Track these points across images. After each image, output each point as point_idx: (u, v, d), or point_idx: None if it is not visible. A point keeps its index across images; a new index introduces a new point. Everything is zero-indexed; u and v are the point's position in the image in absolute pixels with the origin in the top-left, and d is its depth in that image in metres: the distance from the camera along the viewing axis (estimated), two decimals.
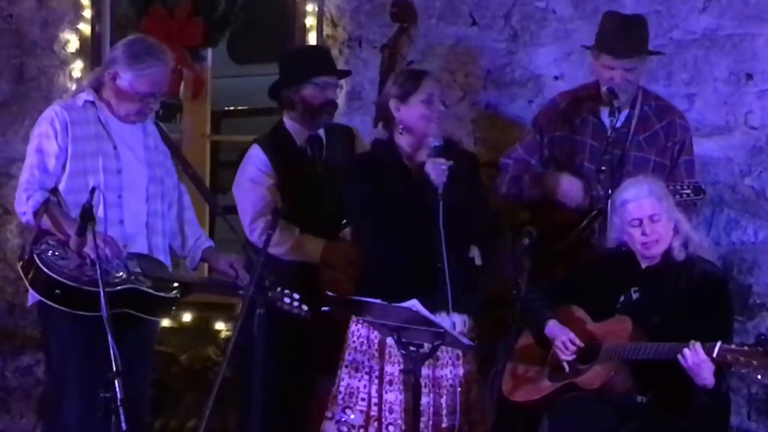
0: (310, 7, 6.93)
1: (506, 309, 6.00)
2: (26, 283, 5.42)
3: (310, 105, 6.05)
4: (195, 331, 7.08)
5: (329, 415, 5.56)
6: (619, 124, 5.91)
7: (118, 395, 4.81)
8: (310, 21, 6.93)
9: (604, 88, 5.92)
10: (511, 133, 6.56)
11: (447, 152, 5.59)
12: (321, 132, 6.15)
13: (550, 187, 5.98)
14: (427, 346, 5.23)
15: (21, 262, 5.44)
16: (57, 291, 5.30)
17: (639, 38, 5.96)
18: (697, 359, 5.04)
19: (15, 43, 7.22)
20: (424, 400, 5.41)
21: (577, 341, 5.36)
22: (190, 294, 5.73)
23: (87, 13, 7.14)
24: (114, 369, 4.84)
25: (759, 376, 5.04)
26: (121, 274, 5.39)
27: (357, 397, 5.53)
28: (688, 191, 5.83)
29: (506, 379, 5.55)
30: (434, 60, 6.83)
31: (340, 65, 6.76)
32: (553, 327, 5.45)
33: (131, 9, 7.32)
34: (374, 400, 5.51)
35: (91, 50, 7.16)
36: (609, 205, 5.66)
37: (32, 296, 5.48)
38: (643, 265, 5.46)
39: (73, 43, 7.15)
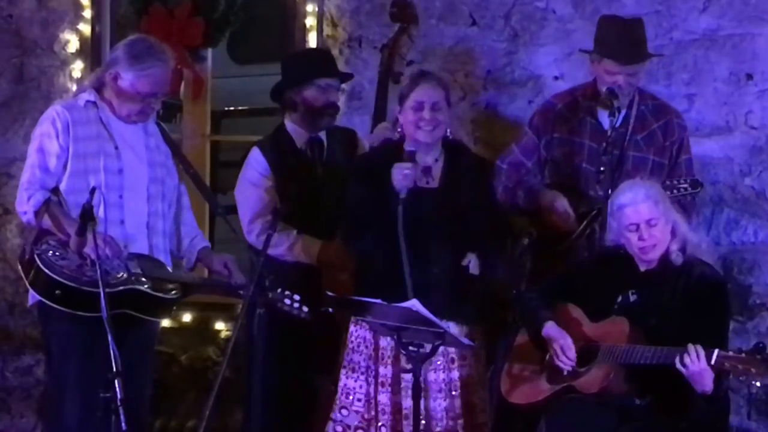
0: (310, 7, 6.93)
1: (506, 309, 6.02)
2: (26, 284, 5.41)
3: (312, 106, 6.05)
4: (195, 331, 7.08)
5: (332, 416, 5.57)
6: (617, 125, 5.91)
7: (118, 395, 4.81)
8: (310, 21, 6.93)
9: (604, 89, 5.91)
10: (511, 133, 6.56)
11: (454, 158, 5.59)
12: (322, 134, 6.15)
13: (543, 203, 5.97)
14: (427, 346, 5.23)
15: (21, 262, 5.44)
16: (57, 291, 5.30)
17: (641, 43, 5.95)
18: (697, 367, 5.04)
19: (15, 43, 7.22)
20: (405, 402, 5.43)
21: (572, 351, 5.35)
22: (191, 294, 5.73)
23: (87, 13, 7.14)
24: (114, 369, 4.84)
25: (758, 383, 5.03)
26: (121, 274, 5.39)
27: (353, 398, 5.54)
28: (686, 185, 5.82)
29: (504, 379, 5.55)
30: (434, 60, 6.83)
31: (340, 65, 6.76)
32: (550, 329, 5.43)
33: (131, 9, 7.31)
34: (372, 401, 5.52)
35: (91, 50, 7.16)
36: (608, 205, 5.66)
37: (32, 296, 5.48)
38: (642, 269, 5.45)
39: (73, 43, 7.15)
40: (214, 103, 7.61)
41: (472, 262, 5.56)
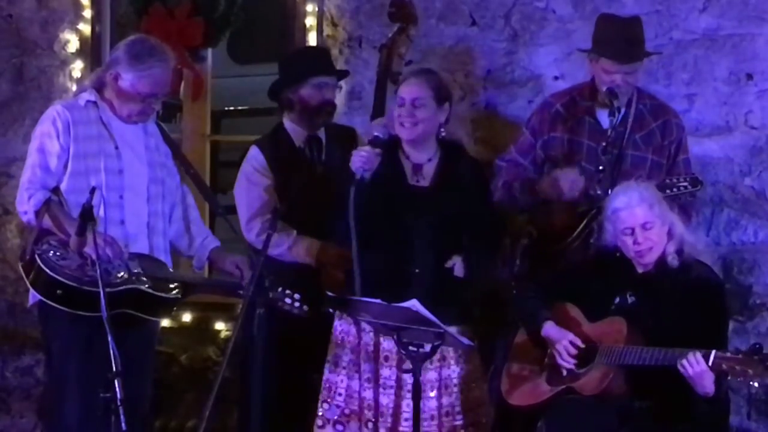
0: (310, 7, 6.93)
1: (506, 309, 6.02)
2: (27, 284, 5.42)
3: (308, 105, 6.06)
4: (195, 331, 7.08)
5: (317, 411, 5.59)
6: (616, 124, 5.91)
7: (118, 395, 4.81)
8: (310, 21, 6.93)
9: (603, 89, 5.90)
10: (511, 133, 6.55)
11: (448, 157, 5.59)
12: (321, 133, 6.15)
13: (544, 190, 5.95)
14: (427, 346, 5.23)
15: (22, 263, 5.44)
16: (58, 291, 5.30)
17: (639, 42, 5.95)
18: (698, 369, 5.03)
19: (15, 43, 7.22)
20: (383, 399, 5.45)
21: (578, 342, 5.35)
22: (191, 294, 5.73)
23: (87, 13, 7.14)
24: (114, 369, 4.84)
25: (756, 384, 5.03)
26: (122, 274, 5.39)
27: (335, 392, 5.54)
28: (685, 184, 5.81)
29: (504, 379, 5.55)
30: (434, 60, 6.82)
31: (340, 65, 6.76)
32: (550, 329, 5.43)
33: (131, 9, 7.31)
34: (351, 396, 5.51)
35: (91, 50, 7.16)
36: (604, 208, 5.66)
37: (33, 296, 5.48)
38: (639, 270, 5.44)
39: (73, 43, 7.15)
40: (214, 103, 7.61)
41: (457, 265, 5.56)
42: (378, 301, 5.18)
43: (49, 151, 5.45)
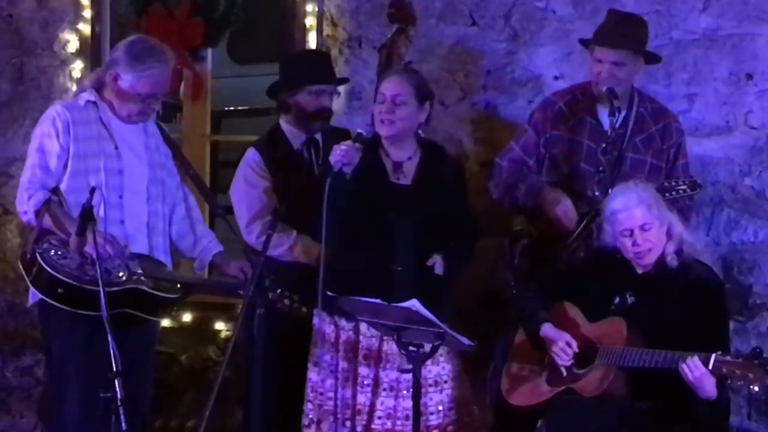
0: (310, 7, 6.92)
1: (505, 309, 6.02)
2: (28, 282, 5.42)
3: (304, 111, 6.06)
4: (195, 331, 7.08)
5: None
6: (616, 125, 5.90)
7: (118, 395, 4.81)
8: (310, 21, 6.93)
9: (603, 89, 5.89)
10: (511, 133, 6.54)
11: (429, 156, 5.58)
12: (318, 134, 6.15)
13: (544, 203, 5.95)
14: (427, 346, 5.23)
15: (23, 262, 5.44)
16: (59, 290, 5.30)
17: (631, 33, 5.92)
18: (698, 373, 5.03)
19: (15, 43, 7.22)
20: (360, 398, 5.45)
21: (575, 346, 5.35)
22: (192, 294, 5.74)
23: (87, 13, 7.14)
24: (114, 369, 4.84)
25: (756, 388, 5.02)
26: (122, 274, 5.39)
27: (316, 391, 5.53)
28: (684, 187, 5.82)
29: (504, 379, 5.55)
30: (434, 60, 6.83)
31: (340, 65, 6.76)
32: (548, 330, 5.43)
33: (131, 9, 7.31)
34: (329, 395, 5.51)
35: (91, 50, 7.16)
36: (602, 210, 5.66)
37: (33, 296, 5.48)
38: (639, 271, 5.44)
39: (73, 43, 7.15)
40: (214, 103, 7.61)
41: (437, 263, 5.56)
42: (378, 301, 5.18)
43: (48, 151, 5.45)
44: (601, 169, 5.87)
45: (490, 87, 6.83)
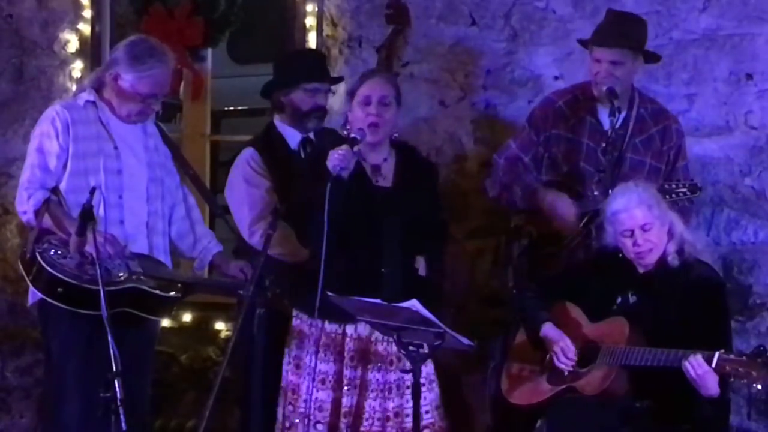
0: (310, 7, 6.93)
1: (505, 309, 6.02)
2: (28, 282, 5.42)
3: (299, 110, 6.05)
4: (195, 331, 7.08)
5: (281, 408, 5.55)
6: (617, 125, 5.91)
7: (118, 395, 4.80)
8: (310, 21, 6.93)
9: (603, 89, 5.90)
10: (511, 133, 6.55)
11: (405, 158, 5.57)
12: (311, 134, 6.14)
13: (542, 205, 5.95)
14: (426, 346, 5.22)
15: (22, 261, 5.44)
16: (59, 289, 5.30)
17: (629, 32, 5.92)
18: (701, 371, 5.03)
19: (15, 43, 7.22)
20: (345, 400, 5.43)
21: (573, 353, 5.34)
22: (191, 294, 5.74)
23: (87, 13, 7.14)
24: (114, 369, 4.84)
25: (759, 386, 5.02)
26: (122, 273, 5.39)
27: (297, 393, 5.50)
28: (684, 189, 5.83)
29: (504, 379, 5.55)
30: (434, 60, 6.83)
31: (340, 65, 6.76)
32: (549, 330, 5.43)
33: (131, 9, 7.32)
34: (303, 397, 5.48)
35: (91, 50, 7.16)
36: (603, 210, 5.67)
37: (32, 295, 5.48)
38: (640, 271, 5.44)
39: (73, 43, 7.15)
40: (214, 103, 7.61)
41: (421, 265, 5.56)
42: (378, 301, 5.18)
43: (48, 151, 5.45)
44: (601, 168, 5.88)
45: (490, 87, 6.83)
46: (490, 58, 6.82)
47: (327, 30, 6.94)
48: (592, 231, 5.84)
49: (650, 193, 5.43)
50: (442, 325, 5.17)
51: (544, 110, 6.15)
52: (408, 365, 5.17)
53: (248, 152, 6.06)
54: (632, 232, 5.35)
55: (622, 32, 5.90)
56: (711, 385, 5.06)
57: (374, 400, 5.47)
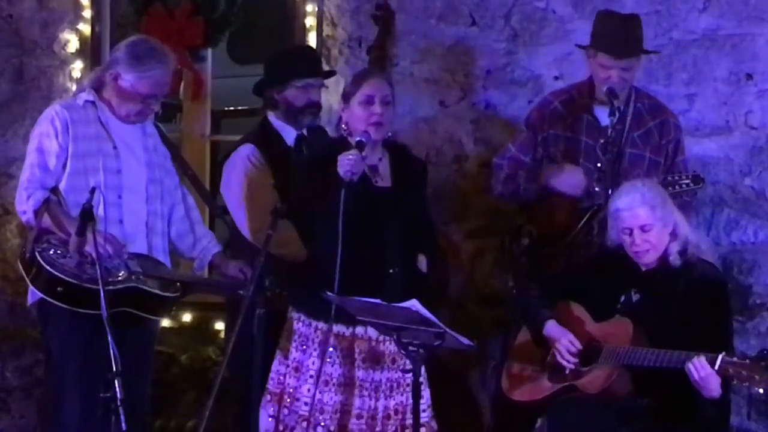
0: (310, 7, 6.93)
1: (504, 307, 6.02)
2: (27, 281, 5.42)
3: (293, 106, 6.04)
4: (195, 331, 7.08)
5: (271, 412, 5.51)
6: (614, 123, 5.91)
7: (118, 395, 4.80)
8: (310, 21, 6.93)
9: (604, 88, 5.91)
10: (511, 133, 6.56)
11: (398, 157, 5.57)
12: (305, 131, 6.13)
13: (547, 180, 5.97)
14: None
15: (22, 261, 5.44)
16: (59, 288, 5.30)
17: (636, 38, 5.97)
18: (703, 373, 5.03)
19: (15, 43, 7.21)
20: (358, 402, 5.41)
21: (577, 344, 5.35)
22: (191, 294, 5.74)
23: (87, 13, 7.14)
24: (114, 369, 4.84)
25: (761, 390, 5.02)
26: (122, 273, 5.39)
27: (293, 396, 5.49)
28: (687, 181, 5.85)
29: (504, 378, 5.55)
30: (434, 60, 6.83)
31: (340, 65, 6.76)
32: (551, 328, 5.43)
33: (131, 9, 7.31)
34: (305, 400, 5.44)
35: (91, 50, 7.15)
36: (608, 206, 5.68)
37: (32, 295, 5.48)
38: (643, 268, 5.44)
39: (73, 43, 7.15)
40: (214, 103, 7.61)
41: (423, 263, 5.56)
42: (378, 301, 5.17)
43: (47, 151, 5.46)
44: (599, 165, 5.88)
45: (490, 87, 6.83)
46: (490, 58, 6.82)
47: (327, 30, 6.94)
48: (593, 227, 5.86)
49: (655, 193, 5.41)
50: (442, 325, 5.17)
51: (540, 111, 6.17)
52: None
53: (247, 149, 6.03)
54: (631, 231, 5.35)
55: (632, 38, 5.92)
56: (713, 386, 5.06)
57: (385, 399, 5.46)
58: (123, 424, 4.79)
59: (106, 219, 5.38)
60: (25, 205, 5.41)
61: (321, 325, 5.44)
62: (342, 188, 5.29)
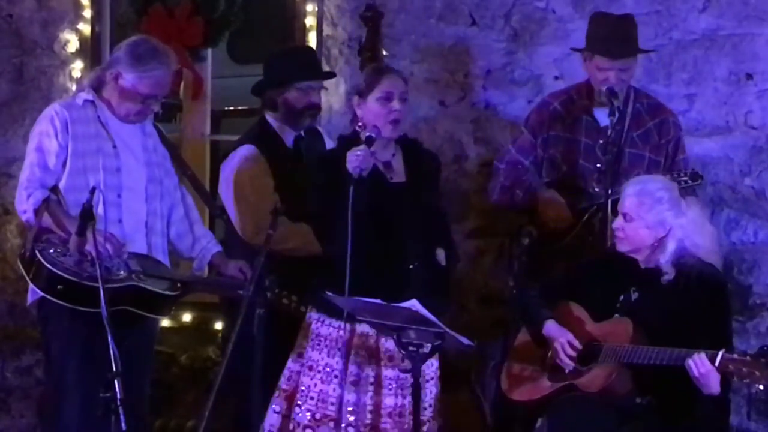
0: (310, 7, 6.93)
1: (504, 307, 6.03)
2: (27, 280, 5.42)
3: (293, 108, 6.04)
4: (195, 331, 7.08)
5: (277, 408, 5.51)
6: (614, 123, 5.92)
7: (118, 395, 4.80)
8: (310, 21, 6.94)
9: (603, 89, 5.92)
10: (511, 133, 6.57)
11: (410, 152, 5.58)
12: (302, 132, 6.13)
13: (539, 206, 5.99)
14: (426, 346, 5.22)
15: (22, 260, 5.44)
16: (59, 286, 5.30)
17: (632, 38, 5.98)
18: (703, 369, 5.03)
19: (15, 43, 7.22)
20: (388, 400, 5.41)
21: (576, 343, 5.35)
22: (190, 293, 5.74)
23: (87, 13, 7.14)
24: (114, 369, 4.84)
25: (761, 387, 5.02)
26: (121, 272, 5.39)
27: (307, 396, 5.46)
28: (686, 178, 5.87)
29: (505, 377, 5.55)
30: (434, 60, 6.83)
31: (340, 65, 6.76)
32: (551, 327, 5.43)
33: (131, 9, 7.32)
34: (331, 400, 5.44)
35: (91, 50, 7.16)
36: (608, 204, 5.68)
37: (32, 294, 5.48)
38: (642, 266, 5.45)
39: (73, 43, 7.15)
40: (214, 103, 7.61)
41: (441, 255, 5.57)
42: (378, 301, 5.17)
43: (47, 150, 5.46)
44: (599, 165, 5.89)
45: (490, 87, 6.84)
46: (490, 58, 6.82)
47: (327, 30, 6.94)
48: (593, 225, 5.86)
49: (654, 191, 5.37)
50: (442, 325, 5.18)
51: (539, 113, 6.18)
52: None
53: (247, 149, 6.02)
54: (618, 214, 5.38)
55: (627, 38, 5.93)
56: (713, 383, 5.06)
57: (404, 398, 5.45)
58: (123, 424, 4.79)
59: (106, 218, 5.39)
60: (25, 204, 5.41)
61: (340, 324, 5.43)
62: (351, 185, 5.29)
